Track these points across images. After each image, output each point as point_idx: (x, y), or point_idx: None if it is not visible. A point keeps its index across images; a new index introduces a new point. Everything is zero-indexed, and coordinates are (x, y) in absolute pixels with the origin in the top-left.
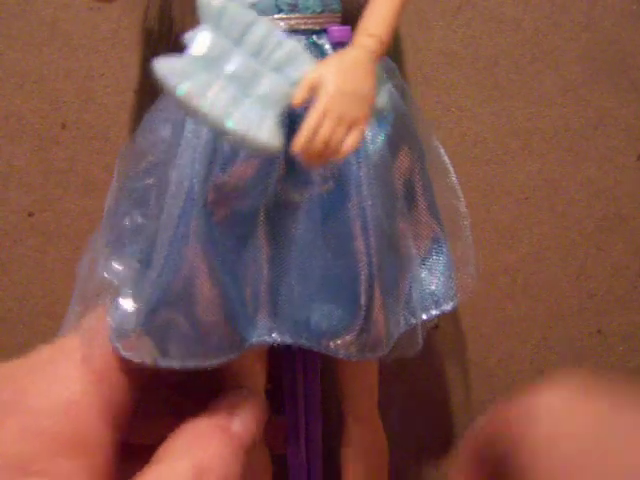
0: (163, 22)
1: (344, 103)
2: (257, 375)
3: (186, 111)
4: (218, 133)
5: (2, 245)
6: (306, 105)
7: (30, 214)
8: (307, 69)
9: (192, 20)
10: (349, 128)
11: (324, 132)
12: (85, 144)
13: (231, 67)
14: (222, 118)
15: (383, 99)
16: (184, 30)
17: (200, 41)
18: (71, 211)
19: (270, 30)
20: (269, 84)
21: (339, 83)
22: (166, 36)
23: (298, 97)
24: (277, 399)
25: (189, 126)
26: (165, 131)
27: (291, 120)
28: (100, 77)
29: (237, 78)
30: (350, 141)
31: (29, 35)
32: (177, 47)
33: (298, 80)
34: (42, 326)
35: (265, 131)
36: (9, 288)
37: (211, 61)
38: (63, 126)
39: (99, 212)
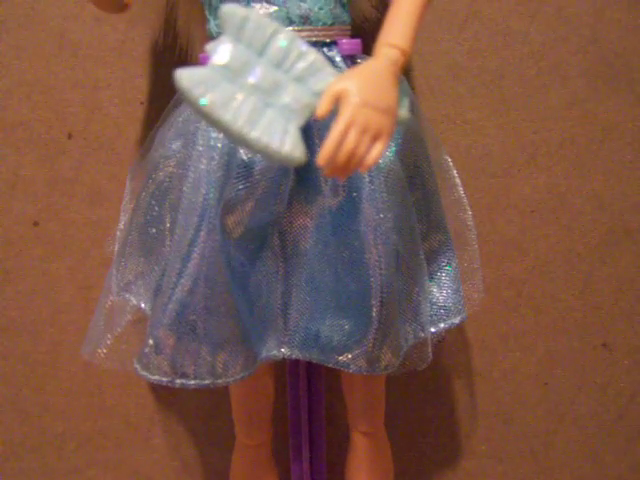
0: (168, 34)
1: (368, 115)
2: (267, 389)
3: (209, 122)
4: (240, 144)
5: (7, 254)
6: (324, 118)
7: (35, 223)
8: (329, 80)
9: (197, 32)
10: (373, 140)
11: (349, 144)
12: (91, 154)
13: (253, 78)
14: (245, 129)
15: (405, 110)
16: (189, 42)
17: (222, 52)
18: (76, 221)
19: (292, 40)
20: (292, 95)
21: (363, 95)
22: (171, 48)
23: (322, 108)
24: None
25: (201, 140)
26: (176, 145)
27: (304, 132)
28: (107, 88)
29: (260, 89)
30: (375, 153)
31: (36, 46)
32: (182, 58)
33: (320, 91)
34: (46, 335)
35: (288, 142)
36: (13, 297)
37: (233, 72)
38: (69, 136)
39: (104, 222)
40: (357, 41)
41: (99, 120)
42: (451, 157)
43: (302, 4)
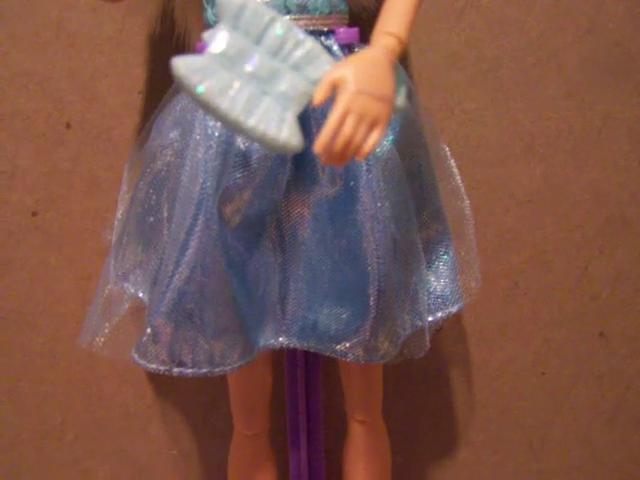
0: (165, 23)
1: (365, 102)
2: (265, 378)
3: (206, 110)
4: (237, 132)
5: (5, 244)
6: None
7: (34, 214)
8: (326, 68)
9: (194, 21)
10: (370, 128)
11: (346, 132)
12: (89, 144)
13: (250, 66)
14: (242, 117)
15: (402, 98)
16: (186, 31)
17: (219, 40)
18: (74, 211)
19: (289, 29)
20: (289, 83)
21: (360, 82)
22: (169, 37)
23: (319, 96)
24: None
25: (198, 128)
26: (174, 134)
27: (302, 120)
28: (104, 77)
29: (256, 77)
30: (371, 141)
31: (34, 35)
32: (179, 48)
33: (317, 79)
34: (44, 325)
35: (285, 130)
36: (12, 287)
37: (230, 60)
38: (67, 126)
39: (102, 212)
40: (354, 30)
41: (97, 110)
42: (448, 146)
43: None
